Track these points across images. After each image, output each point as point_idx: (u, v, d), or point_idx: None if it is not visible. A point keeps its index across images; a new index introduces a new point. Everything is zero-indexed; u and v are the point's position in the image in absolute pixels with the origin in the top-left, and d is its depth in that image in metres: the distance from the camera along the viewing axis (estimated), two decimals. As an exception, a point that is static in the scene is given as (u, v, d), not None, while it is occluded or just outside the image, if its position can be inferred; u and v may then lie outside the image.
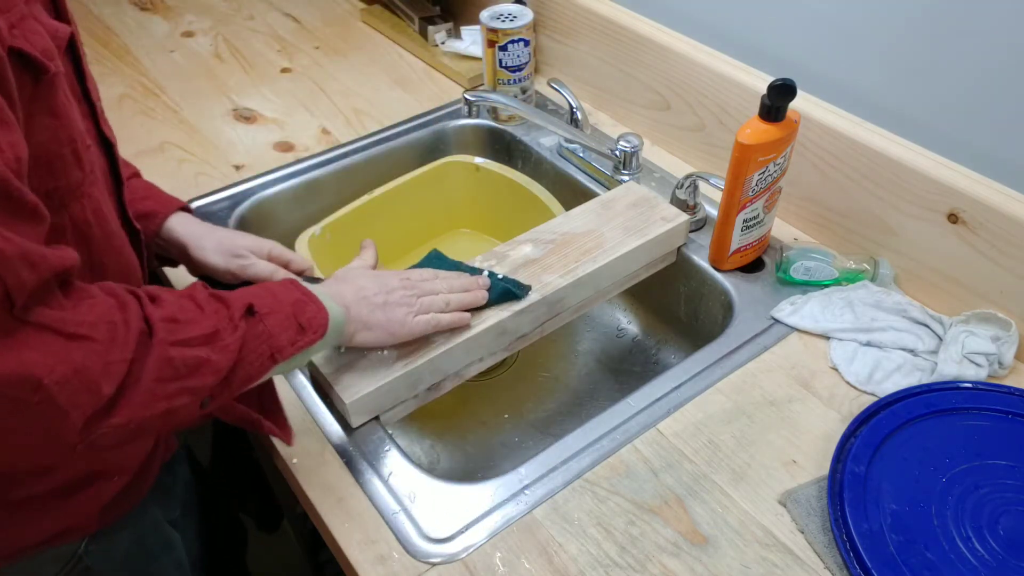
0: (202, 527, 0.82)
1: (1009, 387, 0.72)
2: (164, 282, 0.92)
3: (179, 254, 0.78)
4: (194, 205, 1.01)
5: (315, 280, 0.77)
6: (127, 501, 0.69)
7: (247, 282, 0.76)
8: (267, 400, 0.67)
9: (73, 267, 0.49)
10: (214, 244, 0.77)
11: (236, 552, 0.96)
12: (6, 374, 0.44)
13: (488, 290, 0.76)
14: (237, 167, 1.08)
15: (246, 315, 0.57)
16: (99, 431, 0.49)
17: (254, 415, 0.66)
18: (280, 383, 0.77)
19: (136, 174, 0.80)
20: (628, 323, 1.06)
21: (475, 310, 0.75)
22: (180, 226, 0.77)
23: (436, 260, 0.80)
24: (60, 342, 0.47)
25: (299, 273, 0.79)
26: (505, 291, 0.76)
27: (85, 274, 0.57)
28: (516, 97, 1.12)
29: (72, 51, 0.58)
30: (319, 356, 0.72)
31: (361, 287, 0.69)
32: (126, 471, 0.67)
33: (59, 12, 0.56)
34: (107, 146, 0.62)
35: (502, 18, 1.09)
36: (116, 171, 0.64)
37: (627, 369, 1.01)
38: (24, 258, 0.45)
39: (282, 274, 0.77)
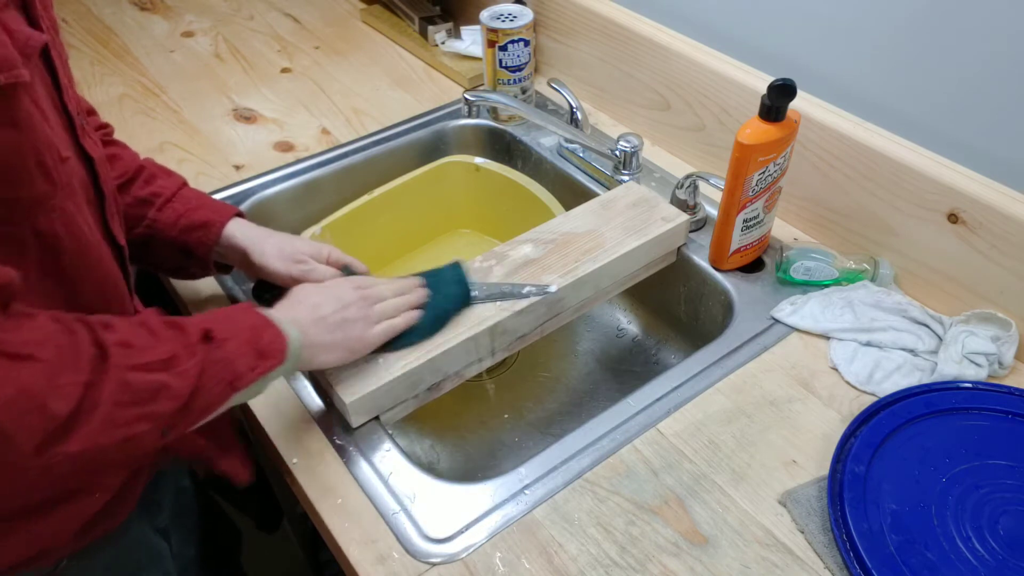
0: (196, 530, 0.81)
1: (1009, 387, 0.72)
2: (172, 295, 0.92)
3: (239, 260, 0.79)
4: (194, 205, 1.01)
5: None
6: (108, 520, 0.65)
7: None
8: (223, 437, 0.67)
9: (10, 285, 0.47)
10: (274, 249, 0.77)
11: (231, 553, 0.96)
12: None
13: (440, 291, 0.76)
14: (237, 167, 1.08)
15: (203, 340, 0.56)
16: (53, 458, 0.47)
17: (210, 452, 0.65)
18: (280, 382, 0.77)
19: (184, 184, 0.80)
20: (628, 323, 1.06)
21: (473, 311, 0.75)
22: (239, 232, 0.78)
23: (449, 267, 0.79)
24: (2, 363, 0.45)
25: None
26: (455, 294, 0.76)
27: (55, 288, 0.55)
28: (516, 97, 1.12)
29: (49, 62, 0.55)
30: None
31: (316, 306, 0.67)
32: (107, 488, 0.64)
33: (33, 21, 0.53)
34: (88, 160, 0.60)
35: (502, 18, 1.09)
36: (99, 185, 0.61)
37: (627, 369, 1.01)
38: None
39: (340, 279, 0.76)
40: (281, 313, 0.66)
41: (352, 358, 0.70)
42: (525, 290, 0.77)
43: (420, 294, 0.75)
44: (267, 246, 0.77)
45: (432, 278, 0.77)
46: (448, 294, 0.76)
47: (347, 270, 0.78)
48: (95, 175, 0.60)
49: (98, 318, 0.53)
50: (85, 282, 0.58)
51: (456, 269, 0.78)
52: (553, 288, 0.78)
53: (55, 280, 0.55)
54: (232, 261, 0.80)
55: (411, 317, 0.73)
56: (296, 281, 0.76)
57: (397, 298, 0.73)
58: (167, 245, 0.77)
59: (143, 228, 0.76)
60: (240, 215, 0.80)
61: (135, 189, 0.76)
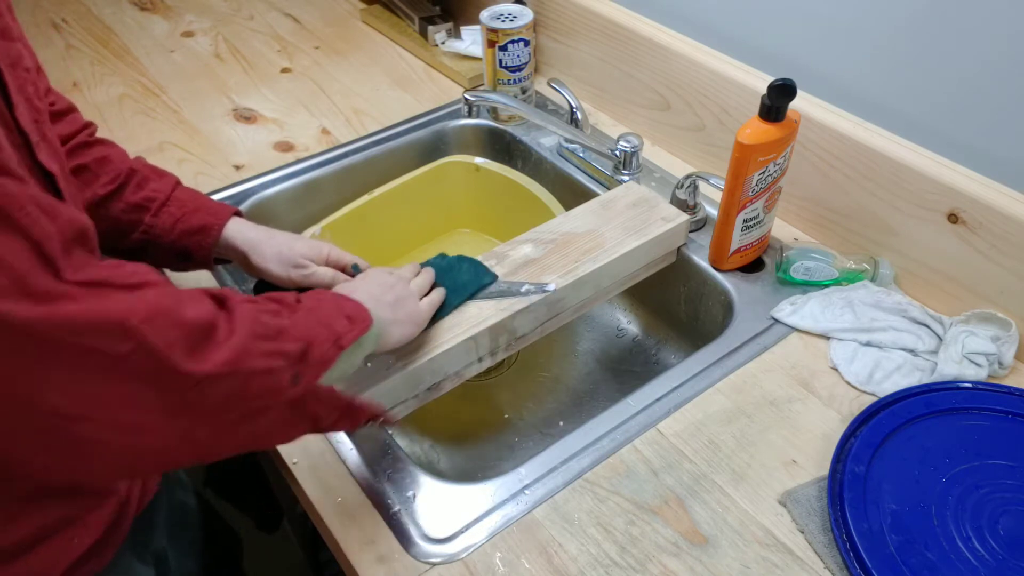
0: (197, 542, 0.80)
1: (1009, 387, 0.72)
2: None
3: (239, 260, 0.78)
4: (194, 205, 1.01)
5: None
6: (95, 560, 0.62)
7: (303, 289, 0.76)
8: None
9: (89, 229, 0.47)
10: (273, 253, 0.76)
11: (232, 559, 0.95)
12: (87, 322, 0.42)
13: (456, 272, 0.78)
14: (237, 167, 1.08)
15: (298, 304, 0.58)
16: (206, 367, 0.47)
17: (355, 400, 0.63)
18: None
19: (177, 183, 0.78)
20: (628, 323, 1.06)
21: (473, 311, 0.75)
22: (237, 235, 0.76)
23: (439, 257, 0.80)
24: (122, 293, 0.45)
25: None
26: (473, 270, 0.78)
27: None
28: (516, 97, 1.12)
29: None
30: None
31: (367, 291, 0.68)
32: (92, 527, 0.61)
33: None
34: (48, 176, 0.55)
35: (502, 18, 1.09)
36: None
37: (627, 369, 1.01)
38: (37, 204, 0.42)
39: (343, 278, 0.76)
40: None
41: (417, 332, 0.71)
42: (524, 288, 0.78)
43: (430, 275, 0.76)
44: (266, 249, 0.76)
45: (436, 264, 0.79)
46: (460, 274, 0.78)
47: (356, 269, 0.78)
48: (57, 192, 0.55)
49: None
50: None
51: (461, 259, 0.79)
52: (552, 287, 0.78)
53: None
54: (231, 259, 0.79)
55: (441, 291, 0.75)
56: (296, 284, 0.76)
57: (419, 276, 0.74)
58: (165, 249, 0.76)
59: (139, 234, 0.74)
60: (238, 214, 0.79)
61: (128, 194, 0.74)
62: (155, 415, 0.47)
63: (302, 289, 0.73)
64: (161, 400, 0.46)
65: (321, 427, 0.60)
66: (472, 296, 0.77)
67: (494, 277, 0.78)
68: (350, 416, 0.62)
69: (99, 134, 0.76)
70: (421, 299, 0.72)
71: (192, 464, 0.59)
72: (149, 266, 0.49)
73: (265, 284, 0.78)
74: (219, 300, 0.51)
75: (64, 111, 0.73)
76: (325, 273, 0.77)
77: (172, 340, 0.45)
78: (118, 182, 0.74)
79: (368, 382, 0.70)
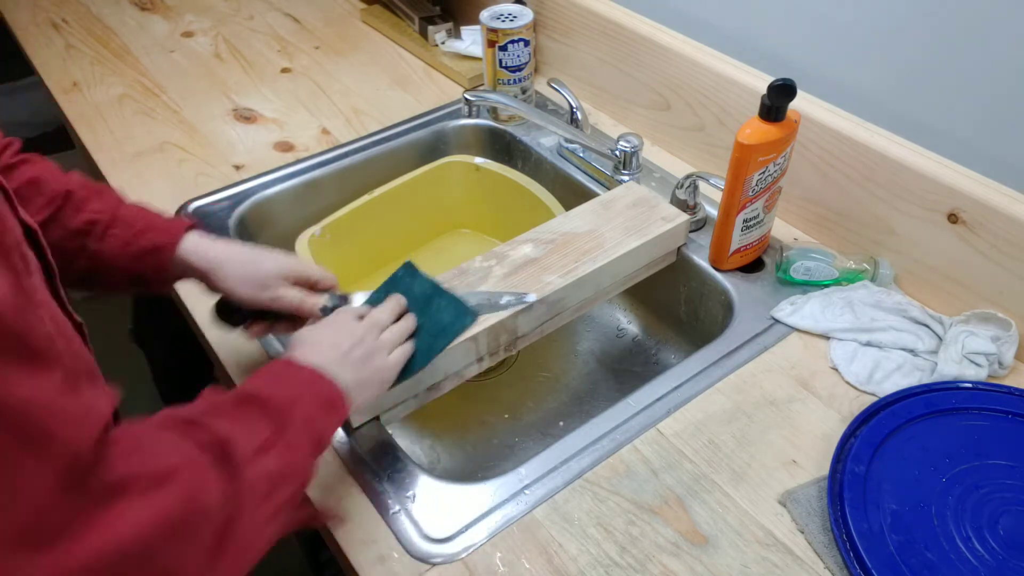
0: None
1: (1009, 387, 0.72)
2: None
3: (199, 279, 0.71)
4: (194, 205, 1.01)
5: (343, 299, 0.74)
6: None
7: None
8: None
9: (114, 410, 0.43)
10: (237, 273, 0.70)
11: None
12: (106, 553, 0.38)
13: (437, 309, 0.73)
14: (237, 167, 1.08)
15: (285, 410, 0.54)
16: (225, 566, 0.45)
17: (318, 509, 0.62)
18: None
19: (120, 202, 0.70)
20: (628, 323, 1.06)
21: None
22: (195, 254, 0.70)
23: (409, 275, 0.75)
24: (143, 499, 0.41)
25: (325, 291, 0.74)
26: (453, 308, 0.74)
27: None
28: (516, 97, 1.12)
29: None
30: None
31: (335, 346, 0.64)
32: None
33: None
34: (30, 232, 0.49)
35: (502, 18, 1.09)
36: (45, 258, 0.51)
37: (627, 369, 1.01)
38: (63, 412, 0.38)
39: (311, 301, 0.72)
40: (311, 359, 0.61)
41: (383, 391, 0.67)
42: (504, 300, 0.75)
43: (411, 321, 0.71)
44: (229, 269, 0.70)
45: (408, 290, 0.74)
46: (441, 312, 0.73)
47: (326, 311, 0.72)
48: (39, 247, 0.50)
49: (195, 410, 0.50)
50: None
51: (436, 289, 0.74)
52: (532, 297, 0.76)
53: None
54: (192, 278, 0.72)
55: (411, 345, 0.70)
56: (264, 308, 0.72)
57: (397, 324, 0.70)
58: (115, 276, 0.69)
59: (84, 262, 0.67)
60: (194, 227, 0.72)
61: (66, 219, 0.66)
62: None
63: (268, 314, 0.70)
64: None
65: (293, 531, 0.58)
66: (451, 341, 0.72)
67: (475, 316, 0.73)
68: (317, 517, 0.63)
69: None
70: (392, 352, 0.67)
71: None
72: (173, 440, 0.46)
73: (227, 305, 0.73)
74: (224, 455, 0.47)
75: None
76: (294, 297, 0.71)
77: (188, 558, 0.42)
78: (54, 206, 0.66)
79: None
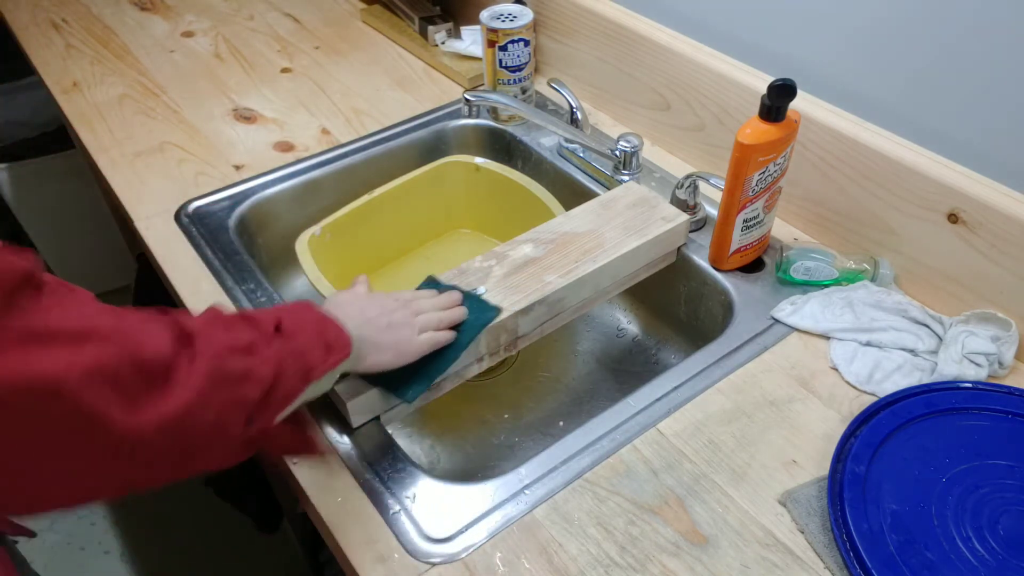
0: None
1: (1009, 387, 0.72)
2: (175, 303, 0.91)
3: None
4: (194, 205, 1.01)
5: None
6: None
7: None
8: (300, 422, 0.64)
9: (30, 271, 0.43)
10: None
11: None
12: (15, 385, 0.39)
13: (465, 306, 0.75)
14: (237, 167, 1.08)
15: (276, 332, 0.56)
16: (151, 427, 0.44)
17: (296, 443, 0.62)
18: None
19: None
20: (628, 323, 1.06)
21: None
22: None
23: (431, 285, 0.78)
24: (61, 347, 0.42)
25: None
26: (480, 308, 0.75)
27: None
28: (516, 97, 1.12)
29: None
30: None
31: (362, 310, 0.67)
32: None
33: None
34: None
35: (502, 18, 1.09)
36: None
37: (627, 369, 1.01)
38: None
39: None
40: (328, 308, 0.64)
41: (401, 361, 0.69)
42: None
43: (460, 312, 0.73)
44: None
45: (469, 300, 0.76)
46: (478, 318, 0.75)
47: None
48: None
49: (170, 311, 0.51)
50: None
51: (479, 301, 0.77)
52: (481, 290, 0.76)
53: None
54: None
55: (450, 336, 0.72)
56: None
57: (439, 312, 0.72)
58: None
59: None
60: None
61: None
62: (89, 465, 0.45)
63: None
64: (97, 454, 0.45)
65: (266, 457, 0.58)
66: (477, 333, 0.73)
67: (498, 311, 0.75)
68: (297, 448, 0.62)
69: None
70: (423, 333, 0.69)
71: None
72: (100, 305, 0.46)
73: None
74: (184, 336, 0.48)
75: None
76: None
77: (111, 399, 0.43)
78: None
79: (368, 383, 0.70)
